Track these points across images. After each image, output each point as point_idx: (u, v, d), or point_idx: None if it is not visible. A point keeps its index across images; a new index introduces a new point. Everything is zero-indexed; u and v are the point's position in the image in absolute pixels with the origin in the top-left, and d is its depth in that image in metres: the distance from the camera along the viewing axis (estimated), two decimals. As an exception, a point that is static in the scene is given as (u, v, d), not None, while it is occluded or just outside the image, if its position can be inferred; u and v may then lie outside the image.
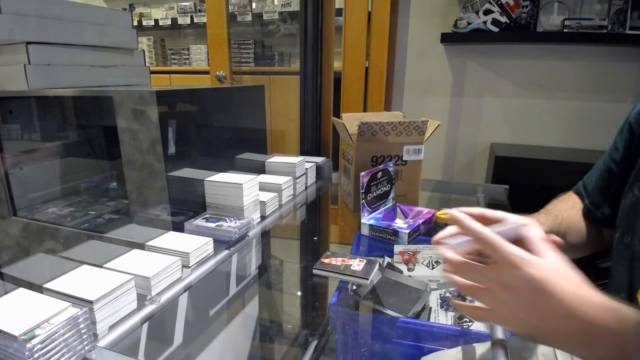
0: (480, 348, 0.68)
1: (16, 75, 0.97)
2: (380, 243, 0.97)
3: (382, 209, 1.02)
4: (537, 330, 0.40)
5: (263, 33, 2.65)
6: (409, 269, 0.91)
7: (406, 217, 0.99)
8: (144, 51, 1.39)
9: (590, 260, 0.74)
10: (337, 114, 1.46)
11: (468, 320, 0.78)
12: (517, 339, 0.71)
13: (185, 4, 2.84)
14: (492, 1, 1.76)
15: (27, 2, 0.97)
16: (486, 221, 0.64)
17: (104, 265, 0.65)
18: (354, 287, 0.81)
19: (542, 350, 0.67)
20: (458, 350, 0.68)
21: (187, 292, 0.69)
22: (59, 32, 1.04)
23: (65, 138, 1.21)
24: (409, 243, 0.90)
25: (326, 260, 0.80)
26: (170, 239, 0.77)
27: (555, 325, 0.39)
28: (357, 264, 0.79)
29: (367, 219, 0.96)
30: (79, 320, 0.48)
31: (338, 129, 1.17)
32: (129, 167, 0.88)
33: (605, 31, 1.70)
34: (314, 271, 0.79)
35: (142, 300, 0.62)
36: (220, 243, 0.82)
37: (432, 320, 0.79)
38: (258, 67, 2.58)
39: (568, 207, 0.74)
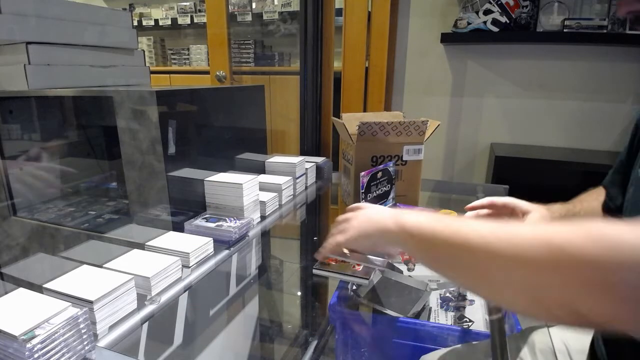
0: (480, 347, 0.68)
1: (16, 75, 0.97)
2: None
3: None
4: (369, 231, 0.57)
5: (263, 33, 2.65)
6: (409, 269, 0.91)
7: None
8: (144, 51, 1.39)
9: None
10: (337, 114, 1.46)
11: (468, 320, 0.78)
12: (516, 338, 0.71)
13: (185, 4, 2.84)
14: (492, 1, 1.76)
15: (27, 2, 0.96)
16: (495, 208, 0.68)
17: (104, 265, 0.65)
18: (354, 287, 0.81)
19: (541, 347, 0.67)
20: (458, 349, 0.68)
21: (187, 292, 0.69)
22: (59, 32, 1.04)
23: (65, 138, 1.21)
24: None
25: (326, 261, 0.80)
26: (170, 239, 0.77)
27: (376, 232, 0.56)
28: (357, 264, 0.79)
29: None
30: (79, 320, 0.48)
31: (338, 129, 1.17)
32: (129, 167, 0.88)
33: (605, 31, 1.70)
34: (314, 271, 0.79)
35: (142, 300, 0.62)
36: (220, 243, 0.82)
37: (432, 320, 0.79)
38: (258, 67, 2.58)
39: (592, 199, 0.75)
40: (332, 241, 0.61)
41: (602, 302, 0.31)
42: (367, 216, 0.57)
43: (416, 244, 0.47)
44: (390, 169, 1.02)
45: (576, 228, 0.34)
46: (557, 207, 0.72)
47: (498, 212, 0.71)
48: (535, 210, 0.68)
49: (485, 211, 0.72)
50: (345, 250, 0.63)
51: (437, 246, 0.44)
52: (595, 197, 0.76)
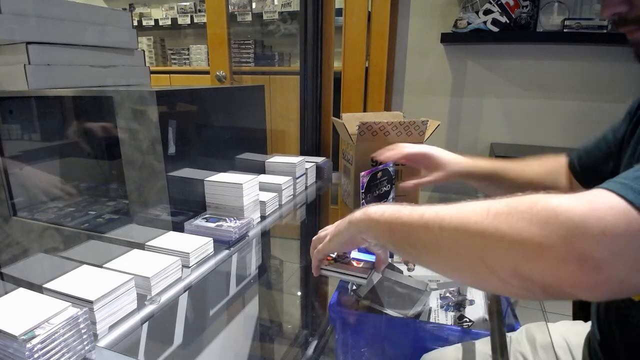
0: (480, 345, 0.68)
1: (16, 75, 0.97)
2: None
3: None
4: (340, 228, 0.59)
5: (263, 33, 2.65)
6: (409, 269, 0.91)
7: None
8: (144, 51, 1.39)
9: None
10: (337, 114, 1.46)
11: (468, 320, 0.78)
12: (517, 335, 0.71)
13: (185, 4, 2.84)
14: (492, 1, 1.76)
15: (27, 2, 0.96)
16: (413, 160, 0.84)
17: (104, 265, 0.65)
18: (354, 287, 0.81)
19: (541, 343, 0.67)
20: (458, 347, 0.68)
21: (187, 292, 0.69)
22: (59, 32, 1.04)
23: (65, 138, 1.21)
24: None
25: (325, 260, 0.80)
26: (170, 239, 0.77)
27: (344, 225, 0.58)
28: (357, 264, 0.79)
29: None
30: (79, 320, 0.48)
31: (338, 129, 1.17)
32: (129, 167, 0.88)
33: (605, 31, 1.70)
34: (314, 271, 0.79)
35: (142, 300, 0.62)
36: (220, 243, 0.82)
37: (432, 320, 0.79)
38: (258, 67, 2.58)
39: (538, 166, 0.76)
40: (314, 253, 0.64)
41: (545, 262, 0.32)
42: (340, 220, 0.61)
43: (380, 228, 0.50)
44: (390, 169, 1.02)
45: (518, 197, 0.36)
46: (484, 163, 0.76)
47: (416, 163, 0.83)
48: (455, 163, 0.76)
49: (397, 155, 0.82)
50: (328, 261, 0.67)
51: (398, 226, 0.47)
52: (546, 165, 0.76)
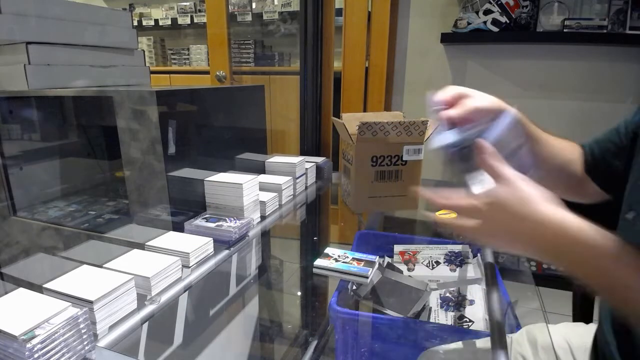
0: (480, 344, 0.68)
1: (16, 75, 0.97)
2: (381, 242, 0.96)
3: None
4: (515, 236, 0.46)
5: (263, 33, 2.65)
6: (409, 269, 0.91)
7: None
8: (144, 51, 1.39)
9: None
10: (337, 114, 1.46)
11: (468, 320, 0.78)
12: (517, 336, 0.71)
13: (185, 4, 2.84)
14: (492, 1, 1.76)
15: (27, 2, 0.96)
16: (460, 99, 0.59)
17: (104, 265, 0.65)
18: (354, 287, 0.82)
19: (543, 345, 0.67)
20: (458, 345, 0.68)
21: (187, 292, 0.69)
22: (59, 32, 1.04)
23: (65, 138, 1.21)
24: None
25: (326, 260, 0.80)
26: (170, 239, 0.77)
27: (529, 232, 0.45)
28: (358, 263, 0.79)
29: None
30: (79, 320, 0.48)
31: (338, 129, 1.17)
32: (129, 167, 0.88)
33: (605, 31, 1.70)
34: (314, 270, 0.79)
35: (142, 300, 0.62)
36: (220, 243, 0.81)
37: (432, 320, 0.79)
38: (258, 67, 2.58)
39: (567, 151, 0.73)
40: (459, 222, 0.49)
41: None
42: (496, 210, 0.46)
43: (571, 261, 0.44)
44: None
45: None
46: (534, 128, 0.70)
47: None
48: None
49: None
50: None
51: (590, 264, 0.42)
52: (566, 148, 0.75)
